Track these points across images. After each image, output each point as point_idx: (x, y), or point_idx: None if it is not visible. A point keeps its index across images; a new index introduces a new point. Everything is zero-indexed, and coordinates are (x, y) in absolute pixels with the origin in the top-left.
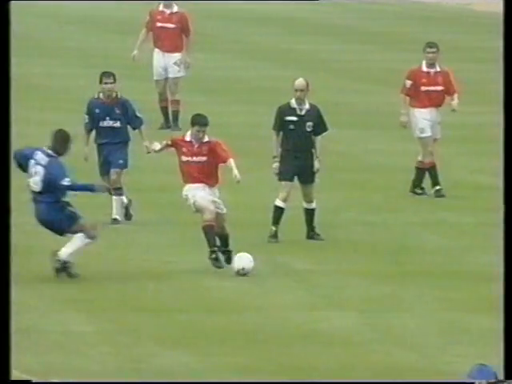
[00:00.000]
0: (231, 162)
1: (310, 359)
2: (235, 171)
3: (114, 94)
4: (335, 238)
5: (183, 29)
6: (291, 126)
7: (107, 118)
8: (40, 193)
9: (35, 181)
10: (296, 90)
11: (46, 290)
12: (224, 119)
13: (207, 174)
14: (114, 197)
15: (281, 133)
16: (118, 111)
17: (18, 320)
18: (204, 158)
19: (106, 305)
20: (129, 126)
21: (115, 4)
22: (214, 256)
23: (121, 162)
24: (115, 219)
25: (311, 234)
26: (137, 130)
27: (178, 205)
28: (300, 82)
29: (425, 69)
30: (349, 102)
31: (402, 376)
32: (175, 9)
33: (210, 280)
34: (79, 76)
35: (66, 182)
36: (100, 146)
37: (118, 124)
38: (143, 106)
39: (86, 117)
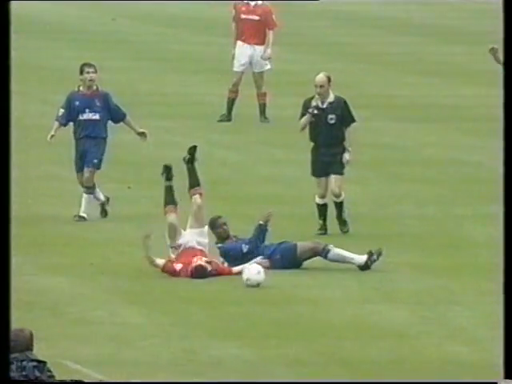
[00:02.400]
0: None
1: (362, 352)
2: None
3: (94, 86)
4: (386, 231)
5: (267, 22)
6: (311, 119)
7: (87, 110)
8: None
9: None
10: (316, 86)
11: (100, 281)
12: (274, 112)
13: None
14: (84, 195)
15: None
16: (98, 103)
17: (71, 311)
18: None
19: (158, 297)
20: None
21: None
22: None
23: (95, 161)
24: (82, 216)
25: (341, 227)
26: (122, 124)
27: (229, 199)
28: (320, 77)
29: None
30: (400, 94)
31: (455, 369)
32: (259, 2)
33: None
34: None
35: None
36: (78, 140)
37: (97, 116)
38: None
39: (62, 110)
